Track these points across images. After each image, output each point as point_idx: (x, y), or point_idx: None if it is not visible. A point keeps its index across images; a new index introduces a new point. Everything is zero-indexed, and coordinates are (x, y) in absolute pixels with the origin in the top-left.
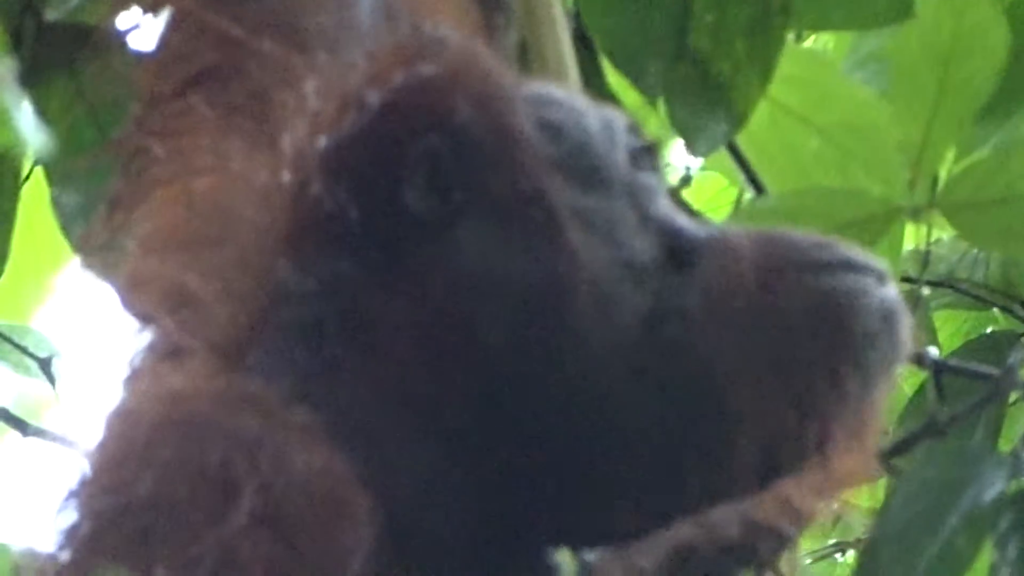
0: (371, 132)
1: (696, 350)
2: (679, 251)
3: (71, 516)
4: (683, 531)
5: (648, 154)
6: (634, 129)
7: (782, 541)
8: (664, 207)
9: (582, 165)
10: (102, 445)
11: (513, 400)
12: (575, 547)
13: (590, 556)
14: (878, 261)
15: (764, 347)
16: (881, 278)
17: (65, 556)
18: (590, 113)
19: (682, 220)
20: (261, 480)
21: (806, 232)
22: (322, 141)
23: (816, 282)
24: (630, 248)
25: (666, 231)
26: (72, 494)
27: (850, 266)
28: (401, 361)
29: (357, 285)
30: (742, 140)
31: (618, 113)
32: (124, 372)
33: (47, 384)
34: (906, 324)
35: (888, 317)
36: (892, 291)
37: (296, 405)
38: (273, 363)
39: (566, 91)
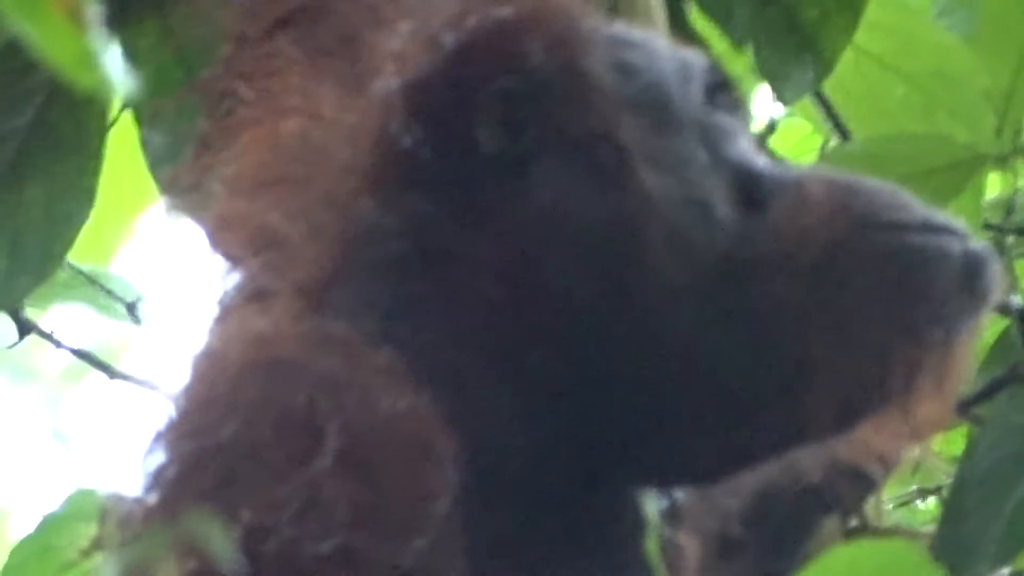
0: (446, 72)
1: (768, 294)
2: (752, 193)
3: (158, 459)
4: (766, 474)
5: (726, 94)
6: (713, 69)
7: (866, 486)
8: (741, 148)
9: (655, 106)
10: (188, 388)
11: (589, 337)
12: (659, 488)
13: (676, 496)
14: (955, 219)
15: (838, 301)
16: (960, 236)
17: (152, 499)
18: (666, 54)
19: (759, 162)
20: (345, 421)
21: (884, 183)
22: (403, 81)
23: (894, 243)
24: (702, 188)
25: (741, 172)
26: (159, 437)
27: (928, 227)
28: (480, 299)
29: (437, 224)
30: (828, 87)
31: (697, 54)
32: (211, 314)
33: (132, 326)
34: (994, 273)
35: (972, 272)
36: (976, 244)
37: (380, 346)
38: (357, 303)
39: (646, 33)
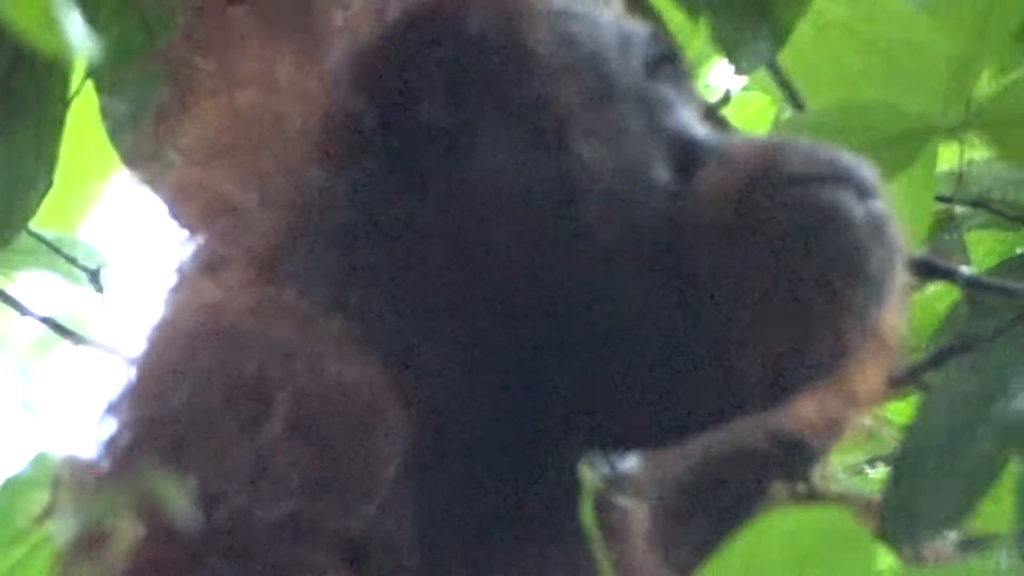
0: (390, 42)
1: (695, 256)
2: (687, 160)
3: (112, 425)
4: (709, 440)
5: (669, 65)
6: (656, 41)
7: (811, 454)
8: (679, 117)
9: (594, 77)
10: (143, 356)
11: (530, 301)
12: (603, 451)
13: (623, 464)
14: (869, 172)
15: (759, 259)
16: (867, 191)
17: (105, 464)
18: (608, 27)
19: (697, 130)
20: (295, 389)
21: (814, 144)
22: (350, 51)
23: (803, 196)
24: (637, 156)
25: (677, 140)
26: (113, 405)
27: (838, 179)
28: (426, 266)
29: (384, 192)
30: (787, 57)
31: (639, 26)
32: (168, 283)
33: (96, 294)
34: (896, 235)
35: (876, 228)
36: (878, 204)
37: (331, 314)
38: (309, 271)
39: (590, 5)
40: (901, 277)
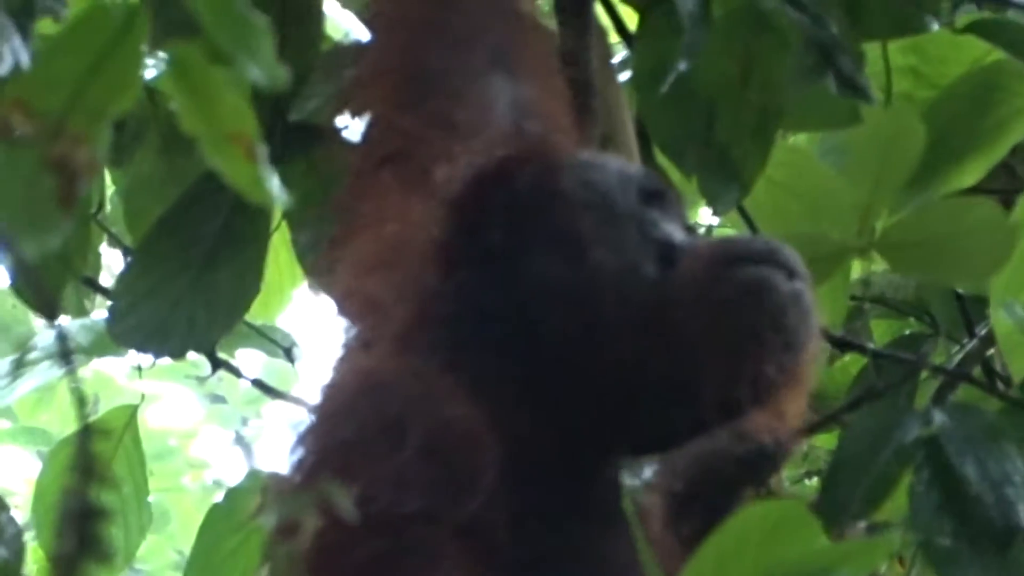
0: (469, 192)
1: (671, 323)
2: (669, 257)
3: (301, 452)
4: (697, 455)
5: (657, 195)
6: (650, 178)
7: (769, 467)
8: (664, 228)
9: (603, 208)
10: (321, 405)
11: (569, 360)
12: (626, 458)
13: (645, 474)
14: (793, 257)
15: (714, 319)
16: (791, 270)
17: (297, 478)
18: (615, 171)
19: (677, 237)
20: (423, 425)
21: (756, 238)
22: (445, 199)
23: (743, 273)
24: (634, 259)
25: (662, 245)
26: (301, 438)
27: (769, 261)
28: (500, 341)
29: (471, 291)
30: (749, 202)
31: (637, 168)
32: (338, 357)
33: (289, 365)
34: (809, 302)
35: (795, 298)
36: (798, 280)
37: (445, 374)
38: (429, 347)
39: (602, 157)
40: (815, 330)
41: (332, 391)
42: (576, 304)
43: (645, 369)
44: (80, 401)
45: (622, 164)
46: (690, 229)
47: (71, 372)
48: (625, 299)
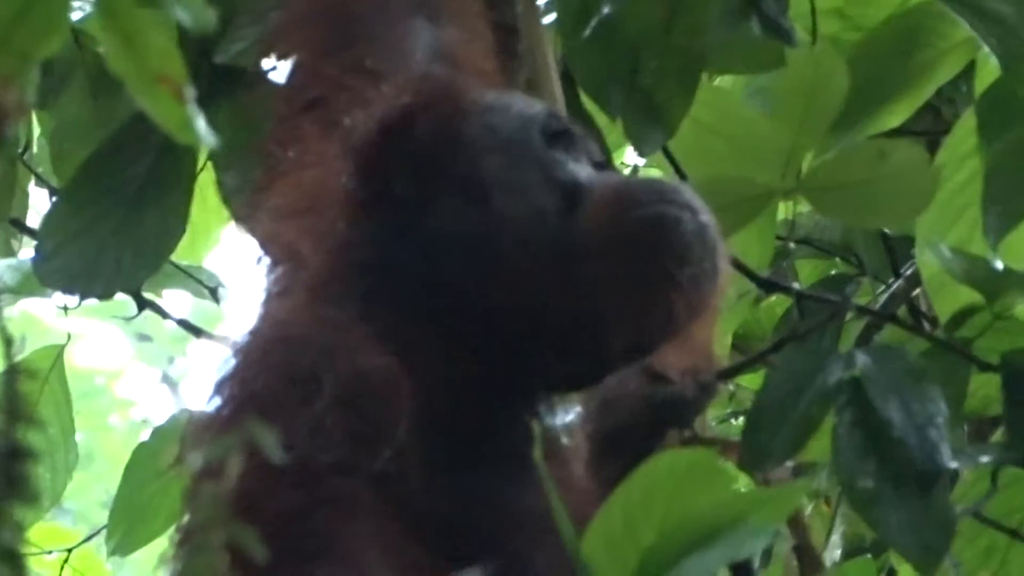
0: (373, 141)
1: (577, 267)
2: (572, 197)
3: (220, 398)
4: (618, 395)
5: (561, 134)
6: (554, 118)
7: (698, 402)
8: (569, 168)
9: (506, 152)
10: (240, 352)
11: (477, 304)
12: (541, 398)
13: (565, 417)
14: (694, 198)
15: (619, 259)
16: (695, 210)
17: (217, 422)
18: (517, 113)
19: (581, 176)
20: (337, 375)
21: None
22: (352, 146)
23: (647, 212)
24: (537, 202)
25: (565, 185)
26: (220, 384)
27: (671, 200)
28: (410, 288)
29: (382, 240)
30: (674, 144)
31: (541, 108)
32: (258, 300)
33: (215, 304)
34: (714, 238)
35: (699, 233)
36: (704, 217)
37: (359, 323)
38: (343, 296)
39: (508, 98)
40: (722, 264)
41: (250, 339)
42: (480, 250)
43: (552, 312)
44: (6, 341)
45: (526, 104)
46: (600, 165)
47: None
48: (528, 243)
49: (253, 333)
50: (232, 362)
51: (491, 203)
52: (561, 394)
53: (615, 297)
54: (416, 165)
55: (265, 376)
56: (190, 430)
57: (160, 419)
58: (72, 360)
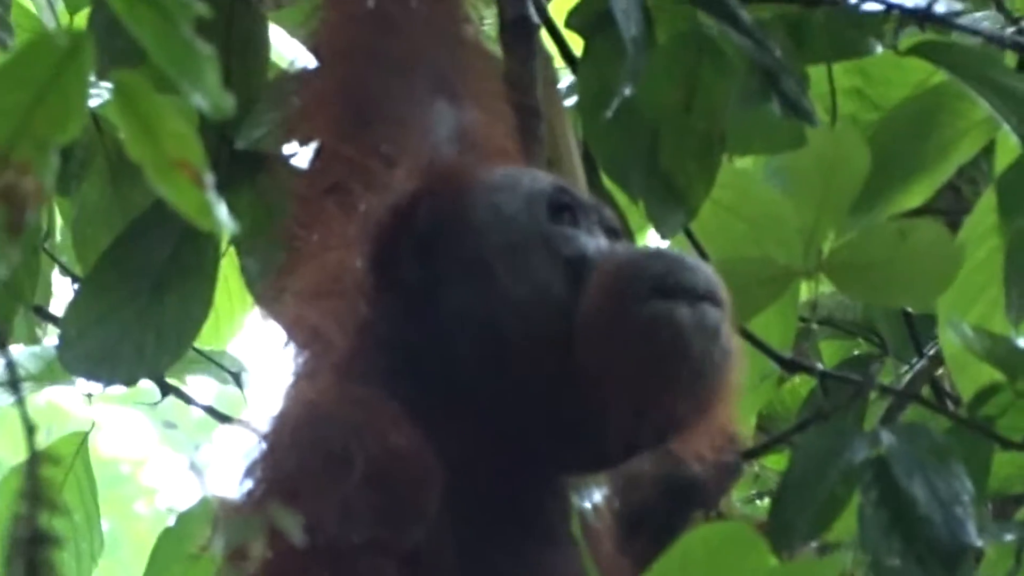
0: (380, 228)
1: (580, 356)
2: (578, 272)
3: (249, 481)
4: (643, 479)
5: (568, 207)
6: (560, 191)
7: (721, 490)
8: (576, 243)
9: (510, 232)
10: (269, 435)
11: (488, 389)
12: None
13: (595, 496)
14: (698, 277)
15: (617, 358)
16: (696, 296)
17: (246, 506)
18: (523, 191)
19: (590, 248)
20: (367, 455)
21: (664, 255)
22: (367, 234)
23: (643, 311)
24: (541, 282)
25: (571, 261)
26: (250, 467)
27: (672, 287)
28: (430, 368)
29: (399, 321)
30: (695, 225)
31: (547, 182)
32: (286, 385)
33: (239, 391)
34: (715, 325)
35: (699, 326)
36: (705, 306)
37: (387, 401)
38: (369, 375)
39: (514, 174)
40: (727, 348)
41: (279, 421)
42: (485, 332)
43: (553, 399)
44: (29, 430)
45: (533, 180)
46: (614, 232)
47: (21, 401)
48: (530, 325)
49: (281, 415)
50: (261, 445)
51: (495, 284)
52: (581, 475)
53: (613, 393)
54: (421, 250)
55: (296, 457)
56: (220, 513)
57: (185, 505)
58: (97, 448)
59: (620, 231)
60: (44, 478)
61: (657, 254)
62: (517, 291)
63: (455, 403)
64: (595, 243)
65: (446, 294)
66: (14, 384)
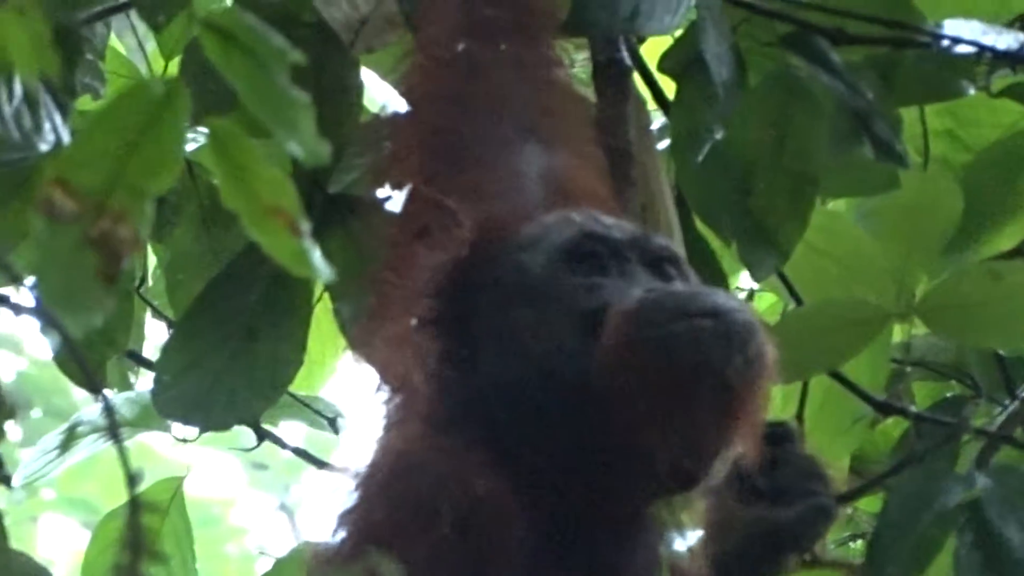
0: (432, 287)
1: (606, 396)
2: (597, 323)
3: (343, 529)
4: (733, 520)
5: (593, 255)
6: (584, 238)
7: (816, 533)
8: (596, 294)
9: (530, 291)
10: (362, 482)
11: (533, 442)
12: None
13: (685, 540)
14: (718, 300)
15: (640, 390)
16: (717, 312)
17: (341, 552)
18: (546, 245)
19: (611, 294)
20: (454, 502)
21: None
22: (428, 285)
23: (654, 335)
24: (558, 339)
25: (589, 310)
26: (344, 514)
27: (684, 313)
28: (489, 419)
29: (455, 380)
30: (788, 268)
31: (573, 230)
32: (378, 431)
33: (333, 435)
34: (741, 329)
35: (724, 333)
36: (730, 317)
37: (470, 449)
38: (452, 424)
39: (544, 226)
40: (762, 349)
41: (370, 471)
42: (517, 394)
43: (592, 446)
44: (130, 477)
45: (559, 232)
46: (660, 261)
47: (119, 446)
48: (554, 383)
49: (372, 465)
50: (353, 494)
51: (519, 348)
52: (645, 508)
53: (644, 425)
54: (461, 312)
55: (386, 507)
56: (315, 562)
57: (275, 547)
58: (187, 490)
59: (676, 257)
60: (144, 526)
61: (682, 290)
62: (537, 351)
63: (517, 454)
64: (622, 287)
65: (483, 356)
66: (113, 431)
